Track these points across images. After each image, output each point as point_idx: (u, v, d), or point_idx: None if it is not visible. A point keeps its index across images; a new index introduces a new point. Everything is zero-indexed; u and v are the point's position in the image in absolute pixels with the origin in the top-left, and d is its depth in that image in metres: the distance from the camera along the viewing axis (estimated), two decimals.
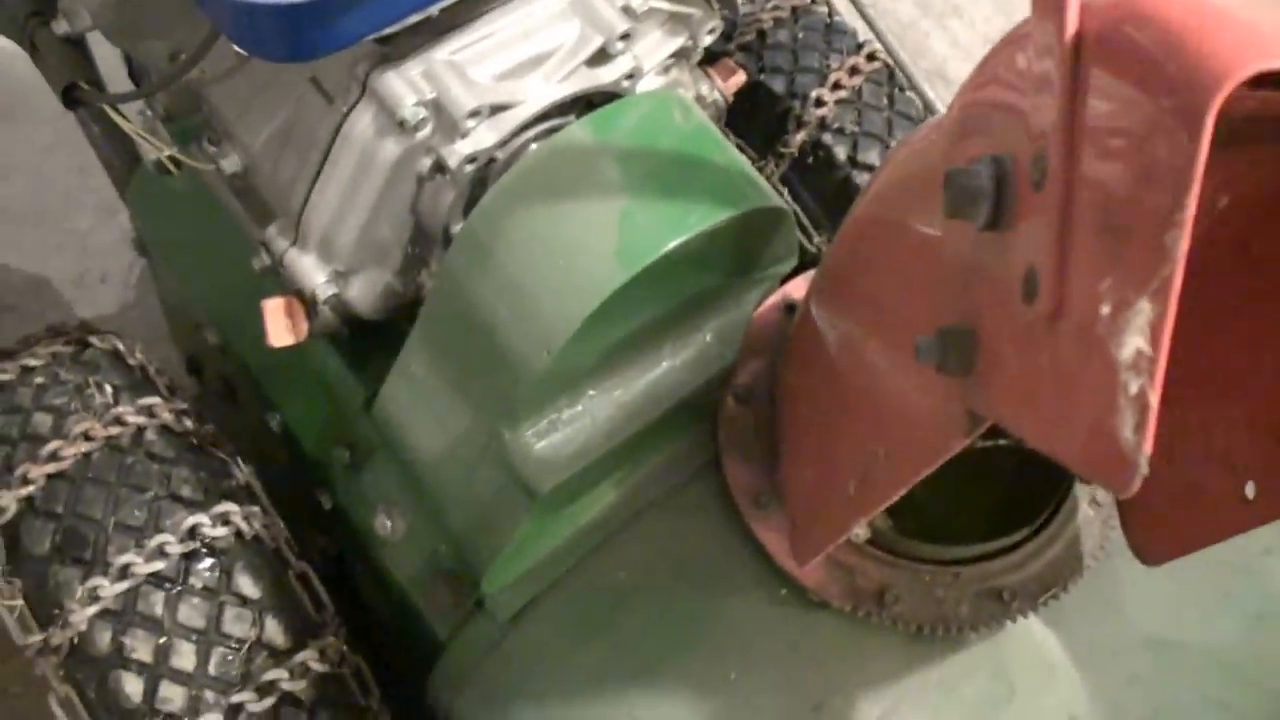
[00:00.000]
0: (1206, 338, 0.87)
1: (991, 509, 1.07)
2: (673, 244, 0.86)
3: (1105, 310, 0.49)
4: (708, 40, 1.05)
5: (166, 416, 1.07)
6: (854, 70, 1.31)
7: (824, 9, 1.38)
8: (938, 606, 1.00)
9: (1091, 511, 1.05)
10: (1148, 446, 0.48)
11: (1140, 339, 0.47)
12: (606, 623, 1.04)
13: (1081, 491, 1.04)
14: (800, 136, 1.29)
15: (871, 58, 1.33)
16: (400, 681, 1.16)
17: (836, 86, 1.30)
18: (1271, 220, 0.75)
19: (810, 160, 1.29)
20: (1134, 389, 0.48)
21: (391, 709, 1.13)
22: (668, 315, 0.96)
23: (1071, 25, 0.52)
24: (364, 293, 1.01)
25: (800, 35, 1.34)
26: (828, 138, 1.29)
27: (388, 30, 0.86)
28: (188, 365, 1.38)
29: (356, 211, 0.95)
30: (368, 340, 1.09)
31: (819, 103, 1.29)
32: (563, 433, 0.94)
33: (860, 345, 0.84)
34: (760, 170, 1.28)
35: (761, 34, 1.34)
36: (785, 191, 1.31)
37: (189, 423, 1.09)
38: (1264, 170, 0.71)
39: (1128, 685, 1.10)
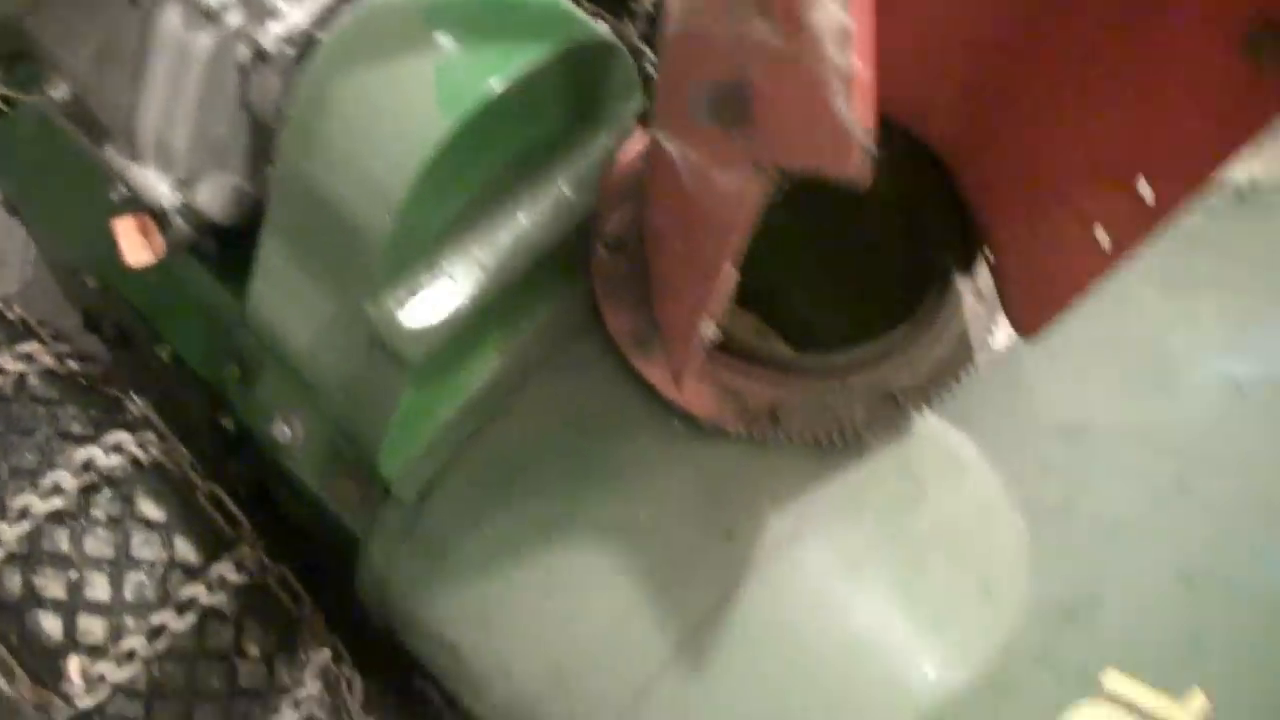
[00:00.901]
0: (1046, 85, 0.87)
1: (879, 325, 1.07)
2: (494, 87, 0.86)
3: None
4: None
5: (48, 360, 1.07)
6: None
7: None
8: (831, 416, 1.00)
9: (978, 306, 1.05)
10: (865, 119, 0.47)
11: (838, 9, 0.47)
12: (512, 488, 1.04)
13: (965, 287, 1.04)
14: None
15: None
16: (336, 588, 1.17)
17: None
18: None
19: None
20: (840, 60, 0.47)
21: (330, 615, 1.15)
22: (514, 168, 0.96)
23: None
24: (213, 197, 1.00)
25: None
26: None
27: None
28: (85, 322, 1.37)
29: (184, 113, 0.94)
30: (239, 252, 1.08)
31: None
32: (426, 299, 0.93)
33: (683, 139, 0.84)
34: (618, 32, 1.27)
35: None
36: (647, 50, 1.30)
37: (73, 364, 1.09)
38: None
39: (1041, 474, 1.11)
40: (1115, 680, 0.91)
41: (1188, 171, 0.74)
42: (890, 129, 0.99)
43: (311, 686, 1.09)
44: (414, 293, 0.93)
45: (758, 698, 0.98)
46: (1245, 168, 1.25)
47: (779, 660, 0.98)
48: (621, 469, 1.02)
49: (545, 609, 1.03)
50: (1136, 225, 0.80)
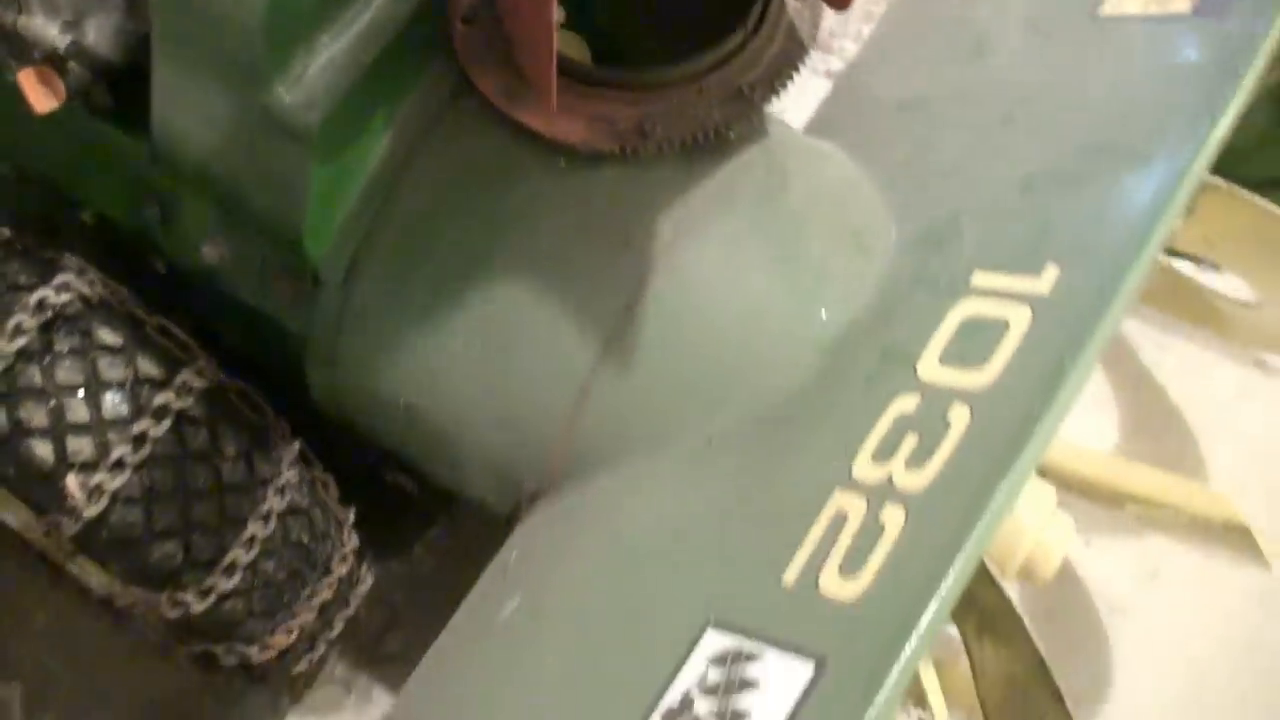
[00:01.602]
0: None
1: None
2: None
3: None
4: None
5: None
6: None
7: None
8: (693, 120, 1.12)
9: (799, 5, 1.17)
10: None
11: None
12: (426, 250, 1.15)
13: None
14: None
15: None
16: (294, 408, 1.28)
17: None
18: None
19: None
20: None
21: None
22: None
23: None
24: (101, 35, 1.09)
25: None
26: None
27: None
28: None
29: None
30: (132, 100, 1.17)
31: None
32: (310, 77, 1.03)
33: None
34: None
35: None
36: None
37: (7, 232, 1.18)
38: None
39: (889, 142, 1.25)
40: (982, 277, 1.04)
41: None
42: None
43: (289, 474, 1.20)
44: (299, 73, 1.03)
45: (680, 369, 1.11)
46: None
47: (692, 335, 1.11)
48: (520, 209, 1.14)
49: (480, 347, 1.15)
50: None
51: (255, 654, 1.25)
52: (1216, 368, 1.91)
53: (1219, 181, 1.27)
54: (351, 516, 1.29)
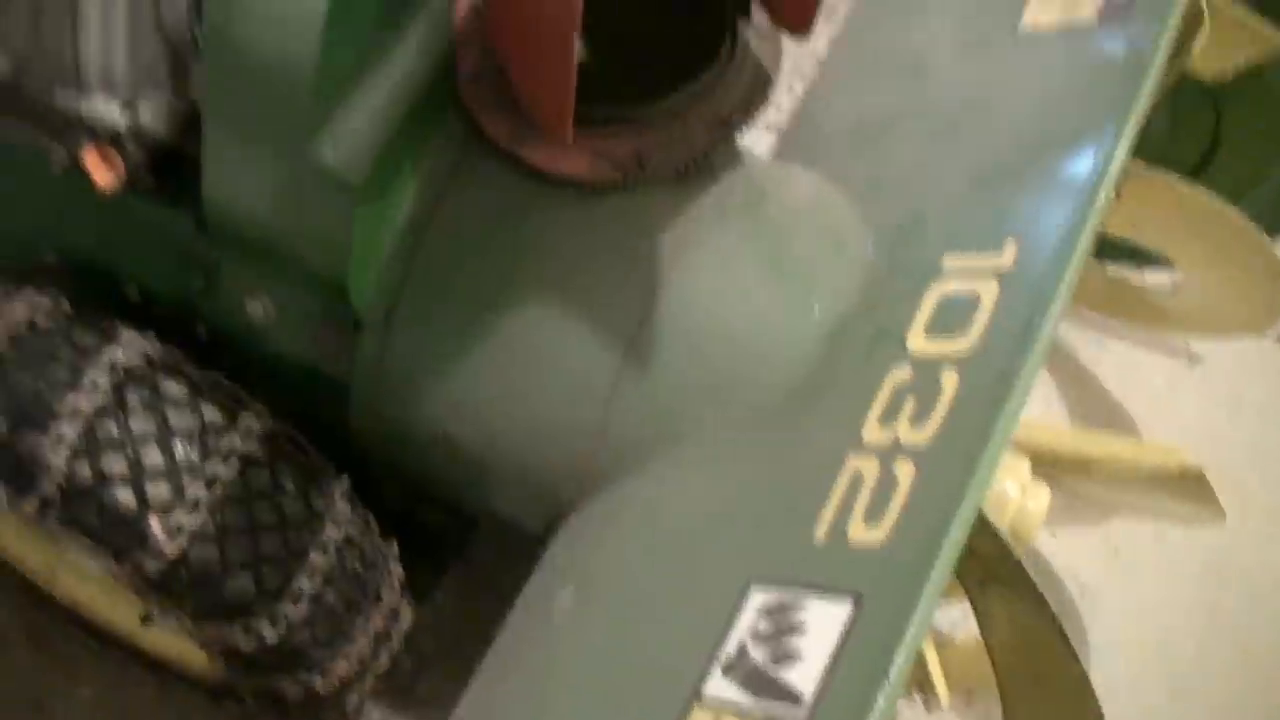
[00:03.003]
0: None
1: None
2: None
3: None
4: None
5: (46, 302, 1.27)
6: None
7: None
8: (683, 148, 1.27)
9: (759, 41, 1.33)
10: None
11: None
12: (454, 289, 1.28)
13: (746, 32, 1.32)
14: None
15: None
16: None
17: None
18: None
19: None
20: None
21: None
22: (385, 23, 1.20)
23: None
24: (155, 115, 1.21)
25: None
26: None
27: None
28: None
29: (118, 41, 1.15)
30: (170, 183, 1.29)
31: None
32: (349, 131, 1.16)
33: None
34: None
35: None
36: None
37: (65, 304, 1.29)
38: None
39: (850, 160, 1.41)
40: (951, 260, 1.18)
41: None
42: None
43: (342, 507, 1.31)
44: (342, 127, 1.16)
45: (694, 372, 1.24)
46: None
47: (701, 341, 1.25)
48: (535, 241, 1.28)
49: (511, 371, 1.27)
50: None
51: (320, 683, 1.34)
52: (1149, 364, 2.10)
53: (1140, 167, 1.44)
54: (395, 548, 1.39)
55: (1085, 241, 1.13)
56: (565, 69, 1.08)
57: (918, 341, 1.13)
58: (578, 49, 1.07)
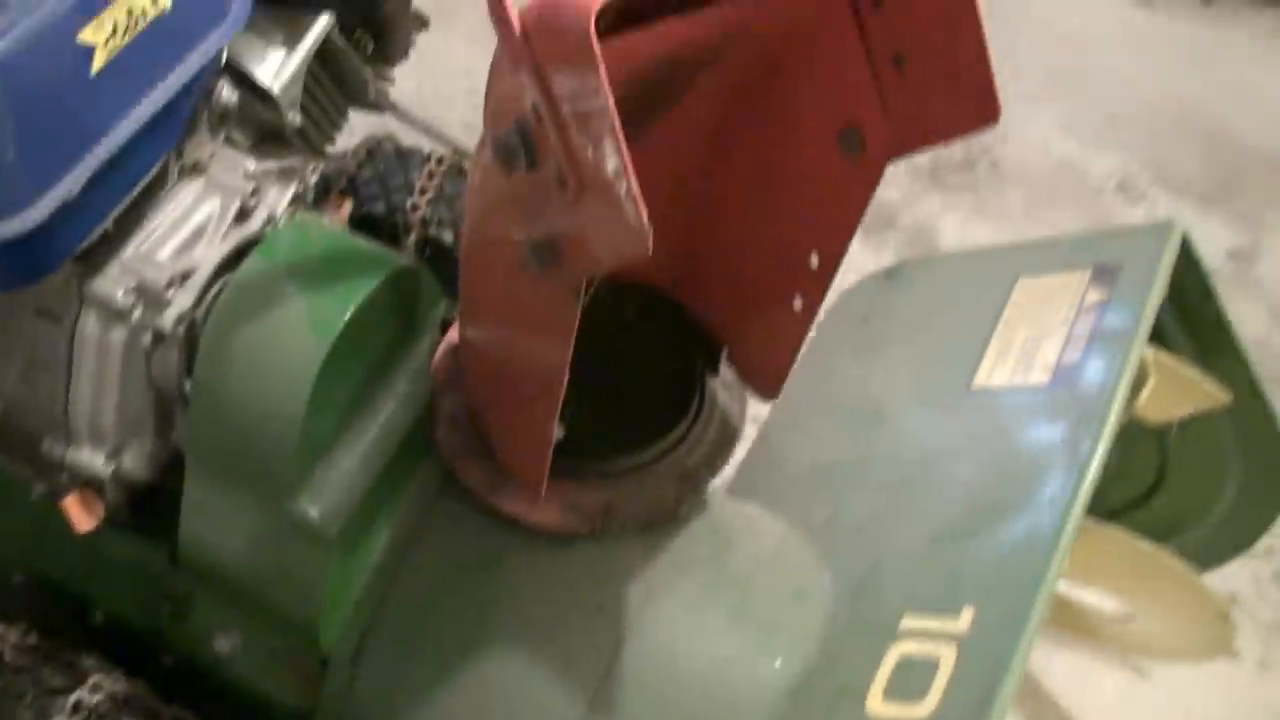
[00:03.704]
0: (727, 215, 1.23)
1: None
2: (352, 309, 1.16)
3: (591, 157, 0.83)
4: (314, 180, 1.37)
5: (13, 637, 1.27)
6: (430, 175, 1.66)
7: (390, 143, 1.73)
8: (651, 501, 1.31)
9: (726, 393, 1.39)
10: (645, 217, 0.81)
11: (614, 159, 0.81)
12: (424, 631, 1.30)
13: (714, 385, 1.38)
14: (412, 238, 1.62)
15: (439, 161, 1.68)
16: None
17: (423, 191, 1.64)
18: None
19: (428, 252, 1.63)
20: (623, 189, 0.81)
21: None
22: (369, 378, 1.25)
23: (518, 26, 0.87)
24: (137, 461, 1.25)
25: (381, 166, 1.68)
26: (433, 231, 1.63)
27: (81, 248, 1.14)
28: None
29: (108, 397, 1.20)
30: (146, 517, 1.31)
31: (415, 208, 1.63)
32: (330, 489, 1.20)
33: (497, 321, 1.16)
34: None
35: (351, 178, 1.67)
36: None
37: (33, 639, 1.29)
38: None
39: (810, 505, 1.45)
40: (909, 620, 1.22)
41: (837, 238, 1.11)
42: (624, 289, 1.35)
43: None
44: (322, 486, 1.20)
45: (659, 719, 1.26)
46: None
47: (665, 690, 1.27)
48: (506, 587, 1.30)
49: (478, 714, 1.28)
50: (817, 287, 1.16)
51: None
52: (1100, 674, 2.12)
53: (1091, 521, 1.49)
54: None
55: (1041, 607, 1.16)
56: (544, 438, 1.13)
57: (876, 704, 1.15)
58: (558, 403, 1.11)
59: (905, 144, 1.05)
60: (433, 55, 2.04)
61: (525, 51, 0.86)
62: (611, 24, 0.82)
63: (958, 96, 0.98)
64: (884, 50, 1.02)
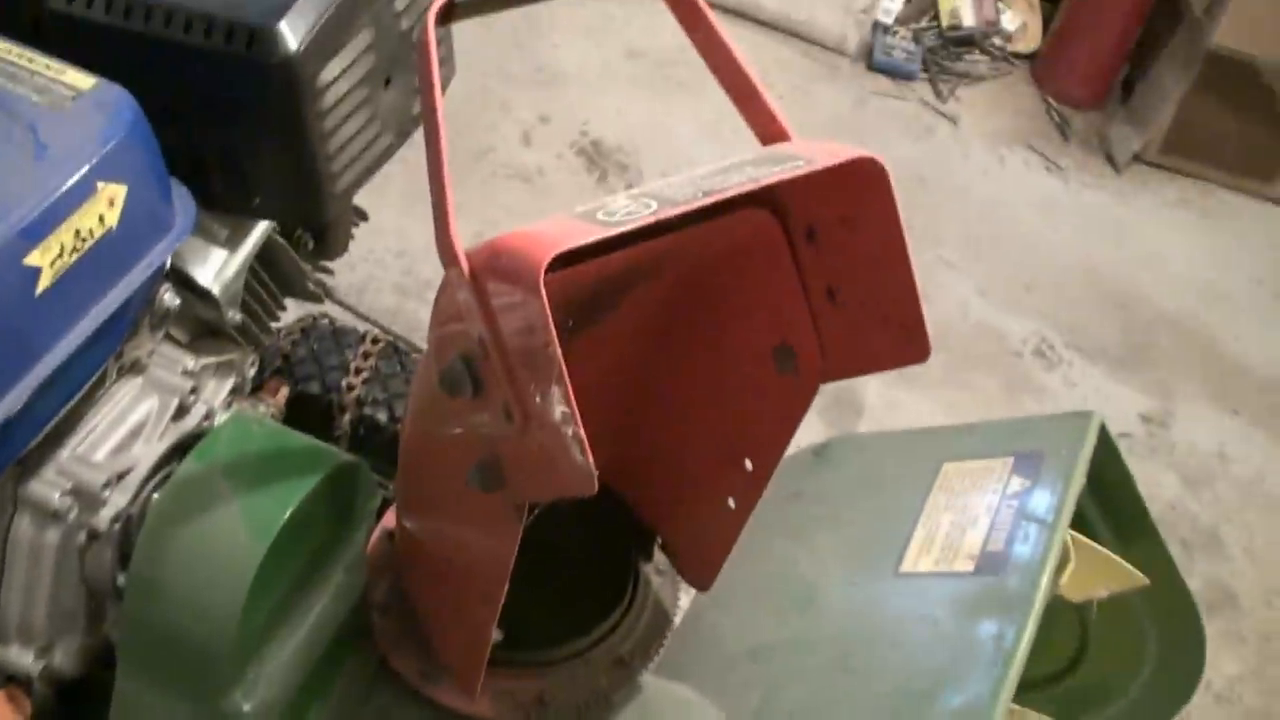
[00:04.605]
0: (667, 419, 1.27)
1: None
2: (289, 511, 1.17)
3: (539, 400, 0.86)
4: (252, 373, 1.39)
5: None
6: (366, 355, 1.69)
7: (326, 321, 1.76)
8: (584, 688, 1.32)
9: (659, 579, 1.41)
10: (590, 461, 0.84)
11: (561, 405, 0.84)
12: None
13: (647, 571, 1.40)
14: (347, 418, 1.64)
15: (375, 341, 1.71)
16: None
17: (358, 371, 1.67)
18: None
19: (362, 432, 1.65)
20: (569, 432, 0.84)
21: None
22: (305, 573, 1.26)
23: (467, 269, 0.91)
24: (66, 657, 1.24)
25: (316, 345, 1.71)
26: (368, 410, 1.65)
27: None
28: None
29: (40, 596, 1.19)
30: (72, 709, 1.30)
31: (350, 388, 1.65)
32: (263, 684, 1.20)
33: (437, 522, 1.18)
34: None
35: (286, 357, 1.69)
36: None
37: None
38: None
39: (744, 689, 1.47)
40: None
41: (771, 448, 1.15)
42: None
43: None
44: (255, 684, 1.19)
45: None
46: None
47: None
48: None
49: None
50: (751, 490, 1.19)
51: None
52: None
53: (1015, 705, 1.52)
54: None
55: None
56: (481, 641, 1.14)
57: None
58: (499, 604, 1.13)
59: (838, 370, 1.09)
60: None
61: (474, 293, 0.90)
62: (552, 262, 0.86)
63: (888, 332, 1.03)
64: (818, 281, 1.06)
